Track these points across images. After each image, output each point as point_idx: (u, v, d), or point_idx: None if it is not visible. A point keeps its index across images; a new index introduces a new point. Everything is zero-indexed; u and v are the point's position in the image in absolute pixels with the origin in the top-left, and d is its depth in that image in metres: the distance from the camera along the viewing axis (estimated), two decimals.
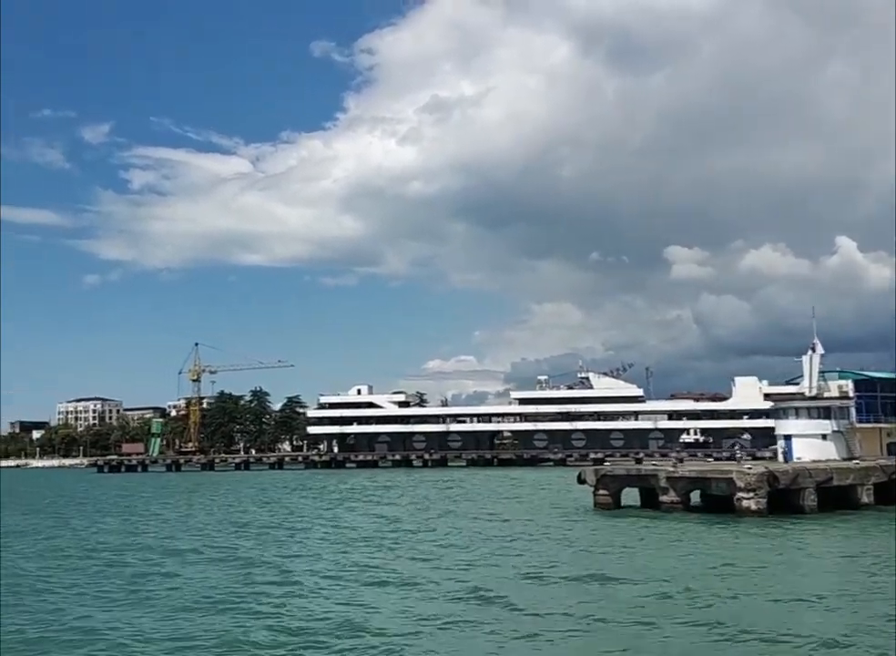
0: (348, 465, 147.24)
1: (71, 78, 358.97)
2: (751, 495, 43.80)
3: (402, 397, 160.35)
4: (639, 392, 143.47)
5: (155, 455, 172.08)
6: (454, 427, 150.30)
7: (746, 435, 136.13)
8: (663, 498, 47.70)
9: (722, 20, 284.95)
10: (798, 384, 61.04)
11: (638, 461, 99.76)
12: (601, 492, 51.04)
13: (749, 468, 45.99)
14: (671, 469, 49.53)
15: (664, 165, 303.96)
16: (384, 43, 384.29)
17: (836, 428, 54.54)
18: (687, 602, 21.40)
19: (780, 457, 55.76)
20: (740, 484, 44.06)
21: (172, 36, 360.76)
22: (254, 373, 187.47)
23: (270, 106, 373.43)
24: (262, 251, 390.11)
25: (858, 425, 55.60)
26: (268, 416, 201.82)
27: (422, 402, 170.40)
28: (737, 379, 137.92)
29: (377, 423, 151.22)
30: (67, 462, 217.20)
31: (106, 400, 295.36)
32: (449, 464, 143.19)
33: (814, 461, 50.45)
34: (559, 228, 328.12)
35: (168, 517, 53.98)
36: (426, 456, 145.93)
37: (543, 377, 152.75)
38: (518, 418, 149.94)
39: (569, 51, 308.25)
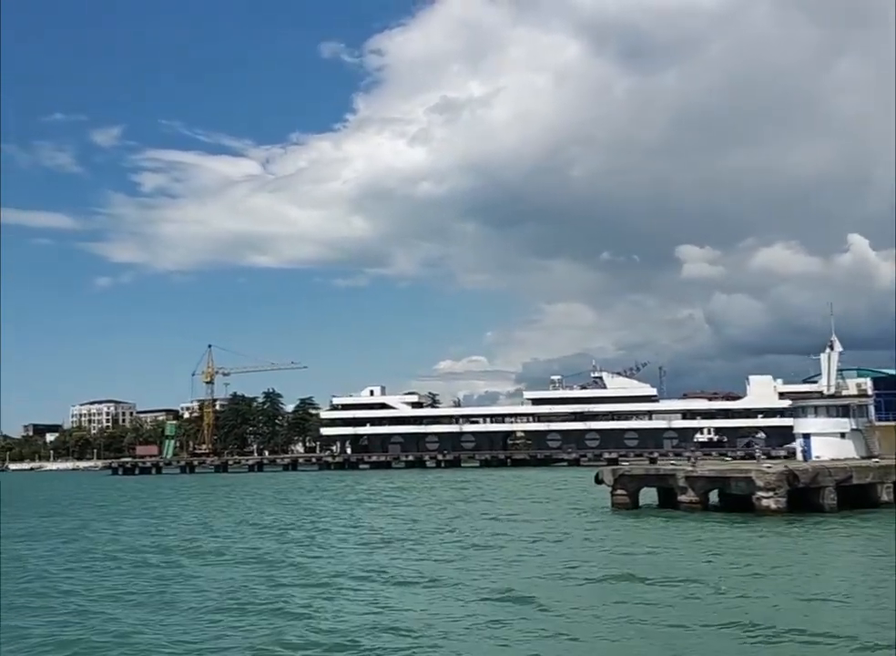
0: (361, 466, 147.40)
1: (81, 82, 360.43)
2: (771, 494, 43.55)
3: (414, 398, 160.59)
4: (653, 391, 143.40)
5: (169, 457, 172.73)
6: (468, 428, 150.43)
7: (760, 434, 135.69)
8: (681, 498, 47.49)
9: (731, 18, 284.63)
10: (816, 382, 60.73)
11: (652, 461, 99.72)
12: (619, 492, 50.86)
13: (769, 467, 45.75)
14: (690, 469, 49.36)
15: (674, 163, 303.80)
16: (394, 43, 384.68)
17: (855, 426, 54.22)
18: (719, 603, 21.26)
19: (800, 456, 55.50)
20: (760, 483, 43.82)
21: (181, 39, 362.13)
22: (266, 374, 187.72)
23: (280, 107, 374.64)
24: (273, 252, 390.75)
25: (877, 424, 55.22)
26: (280, 418, 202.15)
27: (434, 402, 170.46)
28: (751, 378, 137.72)
29: (390, 424, 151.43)
30: (81, 465, 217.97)
31: (120, 402, 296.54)
32: (462, 464, 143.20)
33: (833, 460, 50.19)
34: (569, 227, 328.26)
35: (188, 519, 54.14)
36: (439, 457, 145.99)
37: (556, 377, 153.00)
38: (531, 418, 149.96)
39: (579, 50, 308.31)
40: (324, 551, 34.34)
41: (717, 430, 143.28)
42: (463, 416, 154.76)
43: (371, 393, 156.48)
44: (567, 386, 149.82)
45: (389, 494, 74.97)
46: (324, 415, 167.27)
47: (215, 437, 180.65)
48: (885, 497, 46.20)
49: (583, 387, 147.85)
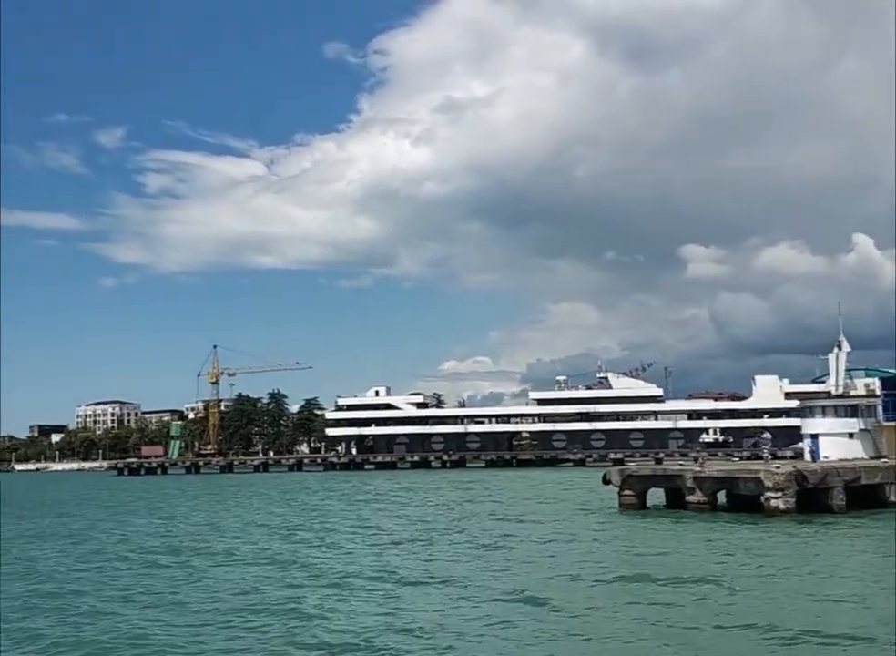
0: (366, 466, 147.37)
1: (85, 83, 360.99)
2: (780, 494, 43.42)
3: (419, 398, 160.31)
4: (659, 392, 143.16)
5: (174, 457, 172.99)
6: (473, 428, 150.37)
7: (766, 434, 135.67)
8: (689, 498, 47.39)
9: (736, 18, 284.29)
10: (824, 382, 60.59)
11: (658, 461, 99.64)
12: (626, 492, 50.80)
13: (778, 468, 45.64)
14: (698, 469, 49.27)
15: (678, 163, 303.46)
16: (397, 44, 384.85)
17: (863, 427, 54.08)
18: (733, 604, 21.21)
19: (808, 456, 55.40)
20: (769, 483, 43.69)
21: (185, 40, 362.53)
22: (270, 375, 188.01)
23: (284, 108, 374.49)
24: (277, 253, 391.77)
25: (885, 424, 55.13)
26: (285, 418, 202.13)
27: (439, 403, 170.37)
28: (757, 378, 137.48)
29: (395, 424, 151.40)
30: (87, 465, 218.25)
31: (125, 403, 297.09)
32: (467, 465, 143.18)
33: (841, 460, 50.09)
34: (574, 227, 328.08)
35: (196, 520, 54.22)
36: (445, 458, 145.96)
37: (561, 377, 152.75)
38: (537, 419, 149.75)
39: (582, 50, 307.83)
40: (334, 552, 34.34)
41: (723, 430, 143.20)
42: (468, 417, 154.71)
43: (377, 393, 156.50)
44: (573, 387, 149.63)
45: (396, 494, 75.01)
46: (329, 415, 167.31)
47: (220, 438, 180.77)
48: (894, 498, 46.02)
49: (588, 388, 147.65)
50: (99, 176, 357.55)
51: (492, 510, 53.18)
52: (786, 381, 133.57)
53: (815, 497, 44.54)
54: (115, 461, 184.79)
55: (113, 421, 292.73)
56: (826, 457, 52.39)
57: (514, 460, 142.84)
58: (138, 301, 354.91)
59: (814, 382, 72.93)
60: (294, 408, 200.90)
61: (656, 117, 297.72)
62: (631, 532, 39.42)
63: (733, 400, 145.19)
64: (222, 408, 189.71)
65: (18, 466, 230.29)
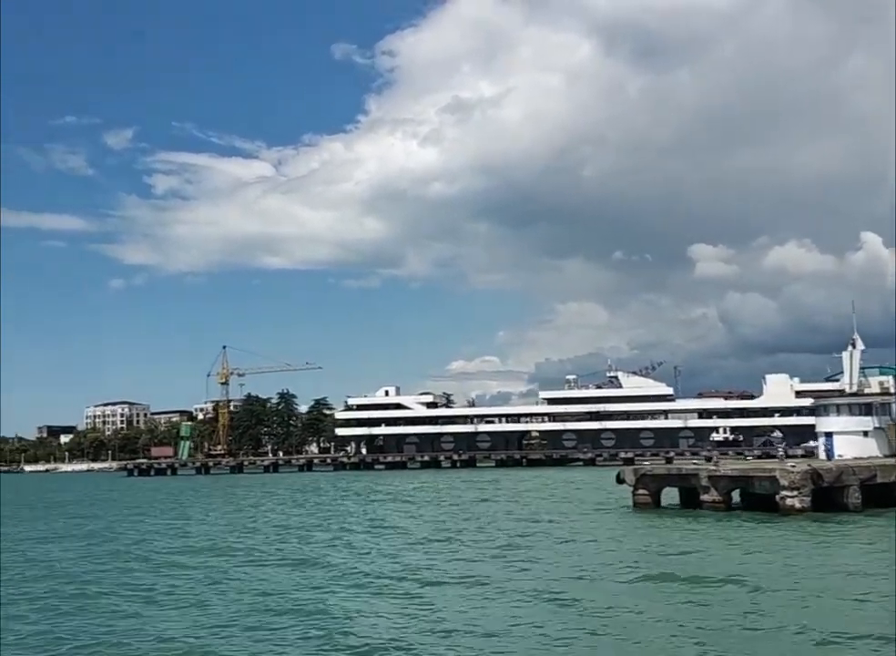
0: (377, 466, 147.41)
1: (93, 84, 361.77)
2: (795, 493, 43.33)
3: (429, 398, 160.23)
4: (669, 391, 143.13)
5: (184, 458, 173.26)
6: (483, 428, 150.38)
7: (776, 433, 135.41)
8: (704, 497, 47.31)
9: (744, 17, 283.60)
10: (838, 380, 60.56)
11: (668, 460, 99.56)
12: (640, 492, 50.76)
13: (793, 466, 45.59)
14: (713, 468, 49.26)
15: (686, 163, 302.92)
16: (405, 44, 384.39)
17: (877, 425, 54.03)
18: (761, 604, 21.13)
19: (823, 455, 55.32)
20: (784, 482, 43.60)
21: (193, 41, 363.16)
22: (277, 376, 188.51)
23: (292, 109, 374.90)
24: (285, 253, 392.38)
25: None
26: (295, 419, 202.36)
27: (449, 402, 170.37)
28: (768, 377, 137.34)
29: (405, 424, 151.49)
30: (96, 466, 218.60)
31: (134, 404, 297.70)
32: (478, 464, 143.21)
33: (856, 458, 50.03)
34: (582, 227, 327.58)
35: (212, 520, 54.37)
36: (455, 457, 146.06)
37: (571, 377, 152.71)
38: (547, 418, 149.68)
39: (590, 50, 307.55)
40: (354, 552, 34.35)
41: (733, 429, 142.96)
42: (478, 416, 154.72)
43: (386, 393, 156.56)
44: (583, 386, 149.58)
45: (410, 494, 75.07)
46: (339, 415, 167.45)
47: (229, 438, 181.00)
48: None
49: (598, 387, 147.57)
50: (107, 177, 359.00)
51: (508, 510, 53.21)
52: (796, 380, 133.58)
53: (830, 496, 44.47)
54: (124, 462, 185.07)
55: (122, 422, 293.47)
56: (840, 456, 52.33)
57: (524, 460, 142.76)
58: (147, 302, 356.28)
59: (828, 380, 72.86)
60: (303, 408, 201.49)
61: (664, 117, 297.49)
62: (648, 532, 39.38)
63: (743, 399, 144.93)
64: (231, 409, 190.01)
65: (28, 467, 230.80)
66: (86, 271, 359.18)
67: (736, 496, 48.61)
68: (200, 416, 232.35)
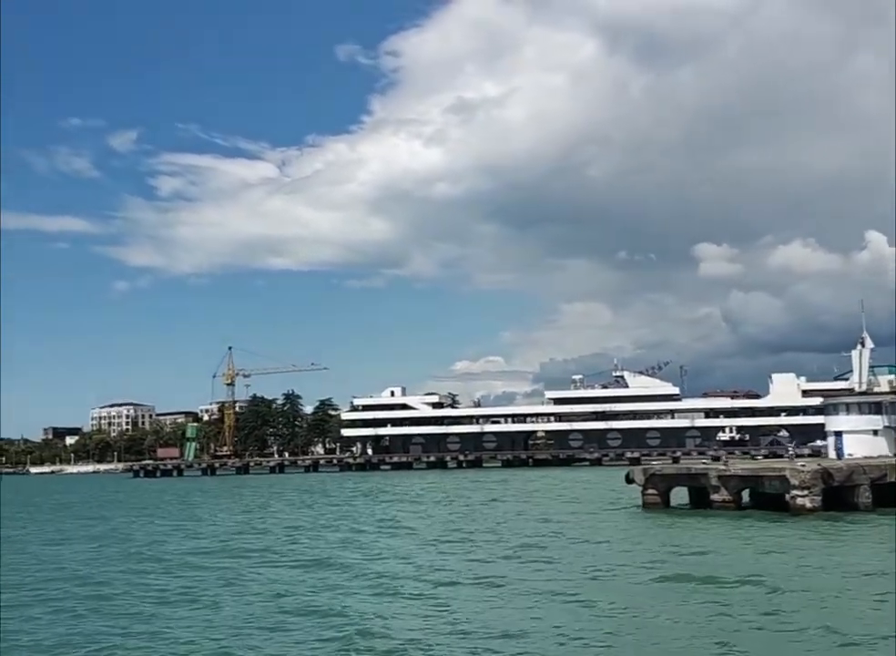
0: (382, 467, 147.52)
1: (98, 87, 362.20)
2: (806, 492, 43.21)
3: (435, 398, 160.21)
4: (675, 390, 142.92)
5: (190, 459, 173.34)
6: (489, 428, 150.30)
7: (783, 432, 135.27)
8: (714, 497, 47.20)
9: (747, 16, 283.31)
10: (847, 379, 60.51)
11: (675, 460, 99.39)
12: (650, 491, 50.67)
13: (803, 466, 45.48)
14: (722, 468, 49.16)
15: (691, 162, 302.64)
16: (409, 45, 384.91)
17: (887, 424, 53.98)
18: (782, 604, 21.04)
19: (832, 454, 55.22)
20: (794, 481, 43.48)
21: (196, 42, 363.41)
22: (281, 376, 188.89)
23: (296, 110, 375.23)
24: (290, 254, 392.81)
25: None
26: (300, 419, 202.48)
27: (454, 403, 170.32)
28: (774, 376, 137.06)
29: (411, 424, 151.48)
30: (102, 467, 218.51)
31: (139, 405, 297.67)
32: (484, 465, 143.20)
33: (866, 457, 49.92)
34: (586, 227, 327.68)
35: (221, 520, 54.44)
36: (461, 458, 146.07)
37: (577, 376, 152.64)
38: (553, 418, 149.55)
39: (594, 49, 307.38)
40: (368, 553, 34.30)
41: (739, 429, 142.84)
42: (484, 417, 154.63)
43: (392, 394, 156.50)
44: (588, 386, 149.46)
45: (418, 494, 75.11)
46: (345, 415, 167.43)
47: (235, 439, 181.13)
48: None
49: (604, 387, 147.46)
50: (112, 179, 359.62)
51: (518, 510, 53.16)
52: (803, 379, 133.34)
53: (841, 496, 44.36)
54: (130, 463, 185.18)
55: (127, 423, 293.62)
56: (850, 455, 52.24)
57: (530, 460, 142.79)
58: (151, 303, 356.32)
59: (837, 379, 72.76)
60: (308, 409, 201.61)
61: (668, 116, 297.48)
62: (661, 532, 39.31)
63: (749, 398, 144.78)
64: (237, 409, 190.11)
65: (33, 469, 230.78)
66: (91, 273, 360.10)
67: (745, 495, 48.51)
68: (206, 417, 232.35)
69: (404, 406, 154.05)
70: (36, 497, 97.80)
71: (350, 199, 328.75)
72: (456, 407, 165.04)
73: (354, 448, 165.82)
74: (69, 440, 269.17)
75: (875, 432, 53.82)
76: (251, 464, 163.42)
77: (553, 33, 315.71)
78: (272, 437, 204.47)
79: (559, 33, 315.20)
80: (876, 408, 54.48)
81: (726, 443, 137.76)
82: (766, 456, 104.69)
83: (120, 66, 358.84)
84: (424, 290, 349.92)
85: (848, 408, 55.47)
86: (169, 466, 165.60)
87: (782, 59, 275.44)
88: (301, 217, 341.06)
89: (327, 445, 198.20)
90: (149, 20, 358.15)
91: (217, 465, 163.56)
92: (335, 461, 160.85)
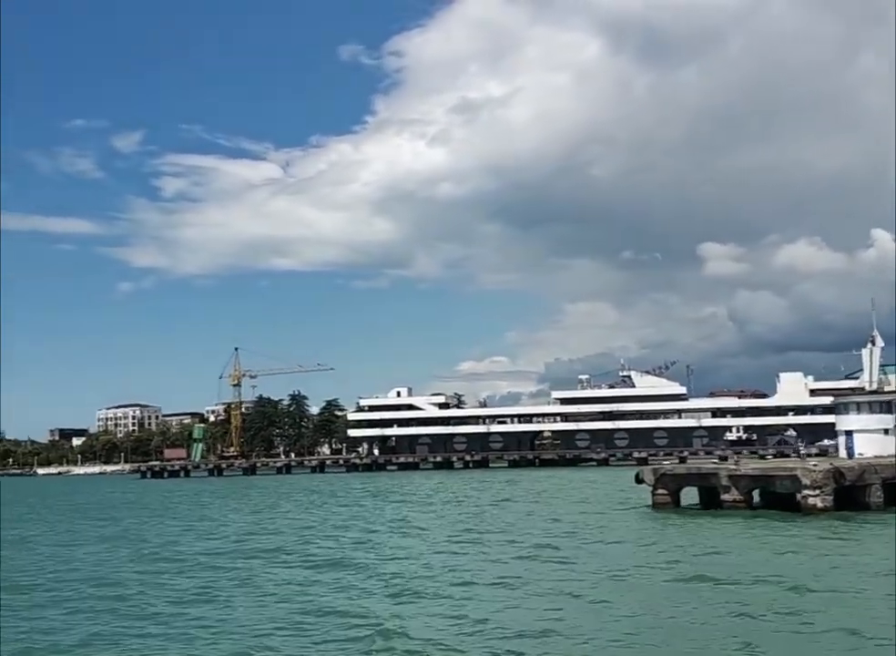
0: (389, 467, 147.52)
1: (101, 88, 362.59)
2: (817, 492, 43.09)
3: (441, 399, 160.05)
4: (682, 390, 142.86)
5: (197, 460, 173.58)
6: (496, 428, 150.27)
7: (790, 432, 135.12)
8: (724, 497, 47.10)
9: (751, 14, 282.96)
10: (857, 378, 60.34)
11: (682, 460, 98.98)
12: (660, 491, 50.59)
13: (815, 465, 45.39)
14: (733, 467, 49.08)
15: (695, 161, 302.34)
16: (412, 45, 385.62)
17: None
18: (805, 605, 20.93)
19: (843, 453, 55.10)
20: (806, 481, 43.37)
21: (200, 43, 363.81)
22: (286, 377, 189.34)
23: (299, 110, 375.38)
24: (294, 255, 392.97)
25: None
26: (306, 420, 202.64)
27: (460, 403, 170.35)
28: (782, 375, 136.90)
29: (417, 425, 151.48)
30: (109, 468, 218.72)
31: (145, 406, 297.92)
32: (490, 465, 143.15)
33: (876, 457, 49.81)
34: (591, 226, 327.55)
35: (231, 520, 54.49)
36: (467, 458, 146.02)
37: (584, 376, 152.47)
38: (559, 418, 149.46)
39: (597, 49, 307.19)
40: (383, 553, 34.31)
41: (746, 428, 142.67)
42: (490, 417, 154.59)
43: (398, 394, 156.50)
44: (595, 386, 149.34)
45: (428, 495, 75.02)
46: (351, 416, 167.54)
47: (241, 440, 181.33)
48: None
49: (611, 386, 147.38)
50: (116, 180, 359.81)
51: (528, 511, 53.09)
52: (810, 378, 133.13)
53: (852, 495, 44.25)
54: (137, 464, 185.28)
55: (134, 424, 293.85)
56: (861, 454, 52.12)
57: (536, 460, 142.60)
58: (156, 304, 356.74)
59: (847, 377, 72.62)
60: (314, 410, 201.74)
61: (673, 115, 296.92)
62: (673, 532, 39.24)
63: (755, 398, 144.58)
64: (243, 410, 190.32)
65: (40, 470, 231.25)
66: (96, 274, 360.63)
67: (755, 495, 48.42)
68: (212, 418, 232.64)
69: (410, 407, 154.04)
70: (48, 498, 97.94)
71: (353, 200, 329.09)
72: (462, 408, 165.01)
73: (360, 449, 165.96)
74: (76, 441, 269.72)
75: (886, 431, 53.62)
76: (258, 464, 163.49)
77: (556, 32, 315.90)
78: (279, 438, 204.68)
79: (563, 32, 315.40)
80: (887, 407, 54.26)
81: (733, 442, 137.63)
82: (774, 456, 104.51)
83: (123, 66, 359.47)
84: (428, 290, 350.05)
85: (859, 407, 55.27)
86: (177, 467, 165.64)
87: (785, 58, 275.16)
88: (305, 217, 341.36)
89: (333, 446, 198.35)
90: (152, 20, 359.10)
91: (224, 465, 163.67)
92: (342, 461, 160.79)
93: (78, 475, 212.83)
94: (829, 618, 19.44)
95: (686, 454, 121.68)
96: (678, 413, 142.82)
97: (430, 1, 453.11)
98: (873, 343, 57.20)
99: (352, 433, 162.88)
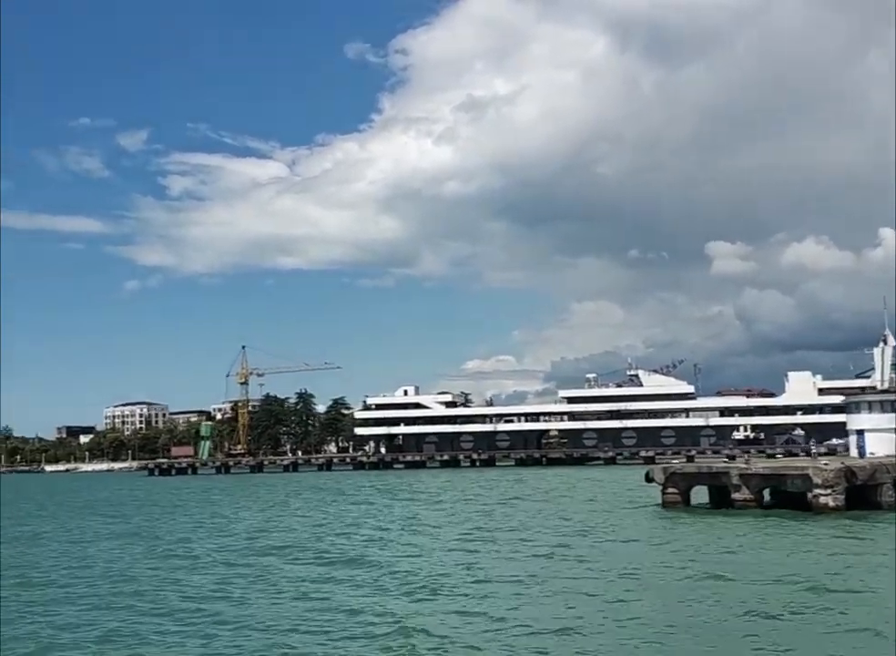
0: (396, 465, 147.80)
1: (108, 86, 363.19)
2: (829, 491, 42.97)
3: (448, 397, 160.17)
4: (690, 389, 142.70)
5: (204, 457, 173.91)
6: (502, 427, 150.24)
7: (798, 431, 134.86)
8: (735, 496, 46.99)
9: (757, 12, 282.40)
10: (868, 377, 60.19)
11: (690, 459, 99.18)
12: (670, 490, 50.53)
13: (826, 464, 45.30)
14: (744, 466, 48.97)
15: (703, 159, 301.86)
16: (418, 43, 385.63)
17: None
18: (829, 604, 20.88)
19: (854, 452, 55.00)
20: (817, 480, 43.26)
21: (206, 42, 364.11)
22: (293, 375, 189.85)
23: (305, 109, 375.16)
24: (300, 254, 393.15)
25: None
26: (313, 418, 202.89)
27: (467, 402, 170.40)
28: (790, 374, 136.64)
29: (424, 423, 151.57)
30: (117, 466, 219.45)
31: (152, 404, 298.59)
32: (497, 463, 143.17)
33: (888, 456, 49.70)
34: (598, 225, 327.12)
35: (246, 518, 54.57)
36: (474, 457, 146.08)
37: (591, 375, 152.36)
38: (566, 417, 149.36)
39: (604, 46, 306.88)
40: (397, 550, 34.39)
41: (754, 427, 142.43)
42: (497, 415, 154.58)
43: (405, 393, 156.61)
44: (602, 385, 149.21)
45: (436, 493, 75.03)
46: (358, 414, 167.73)
47: (248, 438, 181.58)
48: None
49: (618, 385, 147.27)
50: (122, 179, 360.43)
51: (538, 509, 53.08)
52: (818, 377, 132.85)
53: (864, 494, 44.14)
54: (144, 461, 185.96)
55: (141, 422, 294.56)
56: (872, 453, 52.01)
57: (543, 459, 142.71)
58: (162, 303, 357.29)
59: (858, 376, 72.48)
60: (321, 408, 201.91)
61: (680, 113, 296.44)
62: (685, 530, 39.19)
63: (763, 397, 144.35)
64: (250, 408, 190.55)
65: (48, 468, 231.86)
66: (102, 273, 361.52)
67: (766, 494, 48.33)
68: (219, 416, 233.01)
69: (417, 405, 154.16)
70: (57, 495, 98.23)
71: (360, 198, 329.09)
72: (469, 406, 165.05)
73: (367, 447, 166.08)
74: (83, 439, 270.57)
75: None
76: (265, 462, 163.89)
77: (563, 30, 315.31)
78: (286, 436, 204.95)
79: (569, 30, 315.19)
80: None
81: (741, 441, 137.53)
82: (784, 455, 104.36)
83: (128, 65, 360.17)
84: (434, 288, 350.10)
85: (870, 406, 55.11)
86: (184, 465, 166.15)
87: (794, 55, 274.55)
88: (311, 216, 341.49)
89: (340, 444, 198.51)
90: (158, 18, 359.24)
91: (231, 463, 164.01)
92: (349, 460, 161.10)
93: (86, 472, 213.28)
94: (849, 618, 19.37)
95: (693, 453, 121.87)
96: (686, 412, 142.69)
97: None
98: (885, 342, 57.04)
99: (359, 431, 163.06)
